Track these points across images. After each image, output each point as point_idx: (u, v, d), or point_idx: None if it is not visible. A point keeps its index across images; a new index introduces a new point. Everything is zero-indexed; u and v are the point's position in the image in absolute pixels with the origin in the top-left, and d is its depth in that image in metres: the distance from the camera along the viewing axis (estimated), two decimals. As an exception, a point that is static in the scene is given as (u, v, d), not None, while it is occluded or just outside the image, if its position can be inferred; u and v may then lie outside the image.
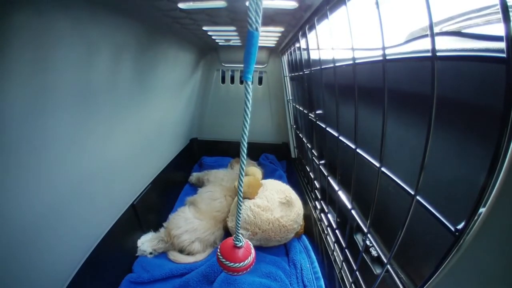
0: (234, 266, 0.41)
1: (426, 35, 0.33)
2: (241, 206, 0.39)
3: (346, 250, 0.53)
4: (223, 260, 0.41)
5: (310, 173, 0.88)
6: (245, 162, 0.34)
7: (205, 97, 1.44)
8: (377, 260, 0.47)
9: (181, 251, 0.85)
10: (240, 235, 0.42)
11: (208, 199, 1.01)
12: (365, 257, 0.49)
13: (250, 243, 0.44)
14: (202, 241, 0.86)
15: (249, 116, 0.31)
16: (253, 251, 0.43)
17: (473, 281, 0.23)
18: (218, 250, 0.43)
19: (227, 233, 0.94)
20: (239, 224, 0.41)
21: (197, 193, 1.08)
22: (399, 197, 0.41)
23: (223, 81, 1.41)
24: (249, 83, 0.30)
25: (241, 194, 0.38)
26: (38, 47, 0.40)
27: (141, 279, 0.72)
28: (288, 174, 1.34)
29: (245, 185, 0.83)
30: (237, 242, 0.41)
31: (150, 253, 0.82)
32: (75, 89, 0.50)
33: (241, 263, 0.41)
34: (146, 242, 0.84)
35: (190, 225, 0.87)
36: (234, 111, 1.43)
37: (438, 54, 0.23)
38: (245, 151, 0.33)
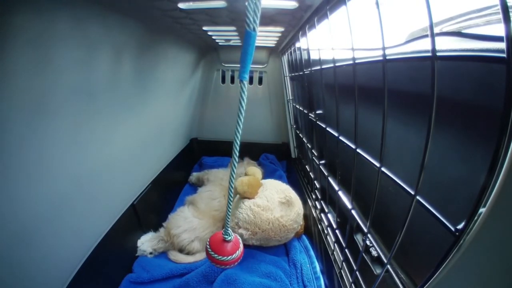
0: (222, 259, 0.42)
1: (426, 35, 0.33)
2: (231, 200, 0.40)
3: (346, 250, 0.54)
4: (212, 252, 0.42)
5: (310, 173, 0.88)
6: (237, 159, 0.35)
7: (205, 97, 1.44)
8: (377, 260, 0.47)
9: (181, 250, 0.85)
10: (229, 229, 0.43)
11: (207, 199, 1.01)
12: (365, 257, 0.49)
13: (239, 237, 0.45)
14: (201, 240, 0.86)
15: (243, 115, 0.31)
16: (241, 245, 0.44)
17: (473, 281, 0.23)
18: (208, 243, 0.44)
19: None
20: (229, 218, 0.42)
21: (197, 193, 1.08)
22: (399, 197, 0.41)
23: (223, 81, 1.41)
24: (245, 82, 0.30)
25: (232, 189, 0.39)
26: (38, 47, 0.40)
27: (141, 279, 0.72)
28: (288, 174, 1.34)
29: (245, 184, 0.83)
30: (226, 236, 0.42)
31: (150, 253, 0.82)
32: (75, 89, 0.50)
33: (229, 257, 0.42)
34: (146, 242, 0.84)
35: (190, 224, 0.87)
36: (234, 111, 1.39)
37: (438, 54, 0.23)
38: (238, 149, 0.34)
